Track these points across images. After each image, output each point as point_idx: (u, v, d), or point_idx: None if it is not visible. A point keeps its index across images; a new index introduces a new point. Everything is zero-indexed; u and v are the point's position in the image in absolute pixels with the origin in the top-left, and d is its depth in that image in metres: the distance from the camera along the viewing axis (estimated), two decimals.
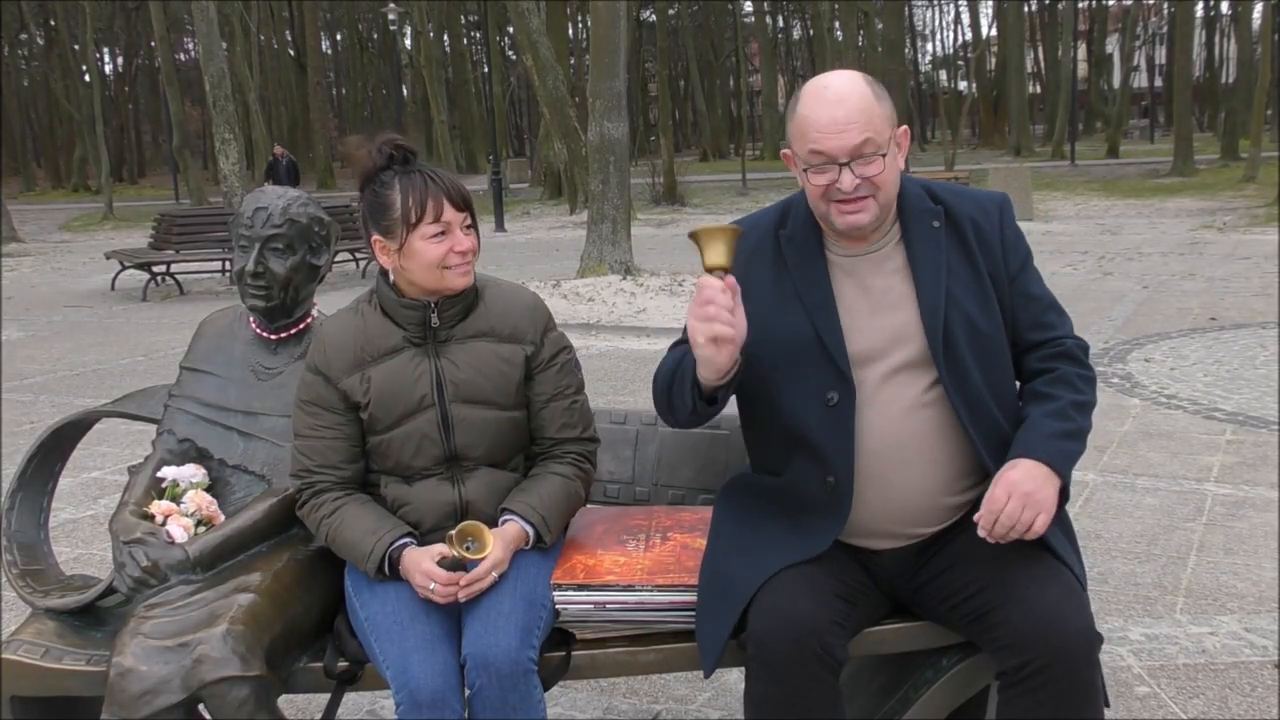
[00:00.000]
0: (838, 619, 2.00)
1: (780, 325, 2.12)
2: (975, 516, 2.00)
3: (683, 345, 2.19)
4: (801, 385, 2.09)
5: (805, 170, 2.06)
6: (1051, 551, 2.03)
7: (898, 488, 2.08)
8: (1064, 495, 2.03)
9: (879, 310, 2.11)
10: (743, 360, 2.00)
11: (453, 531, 2.13)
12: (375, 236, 2.23)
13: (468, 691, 2.06)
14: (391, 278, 2.26)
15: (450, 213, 2.19)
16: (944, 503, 2.12)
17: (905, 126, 2.12)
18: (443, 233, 2.18)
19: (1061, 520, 2.10)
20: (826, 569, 2.06)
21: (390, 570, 2.18)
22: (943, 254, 2.10)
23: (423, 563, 2.14)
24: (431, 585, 2.12)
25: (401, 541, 2.19)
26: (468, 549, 2.12)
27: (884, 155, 2.02)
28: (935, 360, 2.06)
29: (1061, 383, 2.11)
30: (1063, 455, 2.02)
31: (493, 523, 2.24)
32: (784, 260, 2.16)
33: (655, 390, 2.21)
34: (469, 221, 2.23)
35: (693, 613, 2.14)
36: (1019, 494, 1.96)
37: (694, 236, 1.95)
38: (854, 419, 2.06)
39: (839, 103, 2.01)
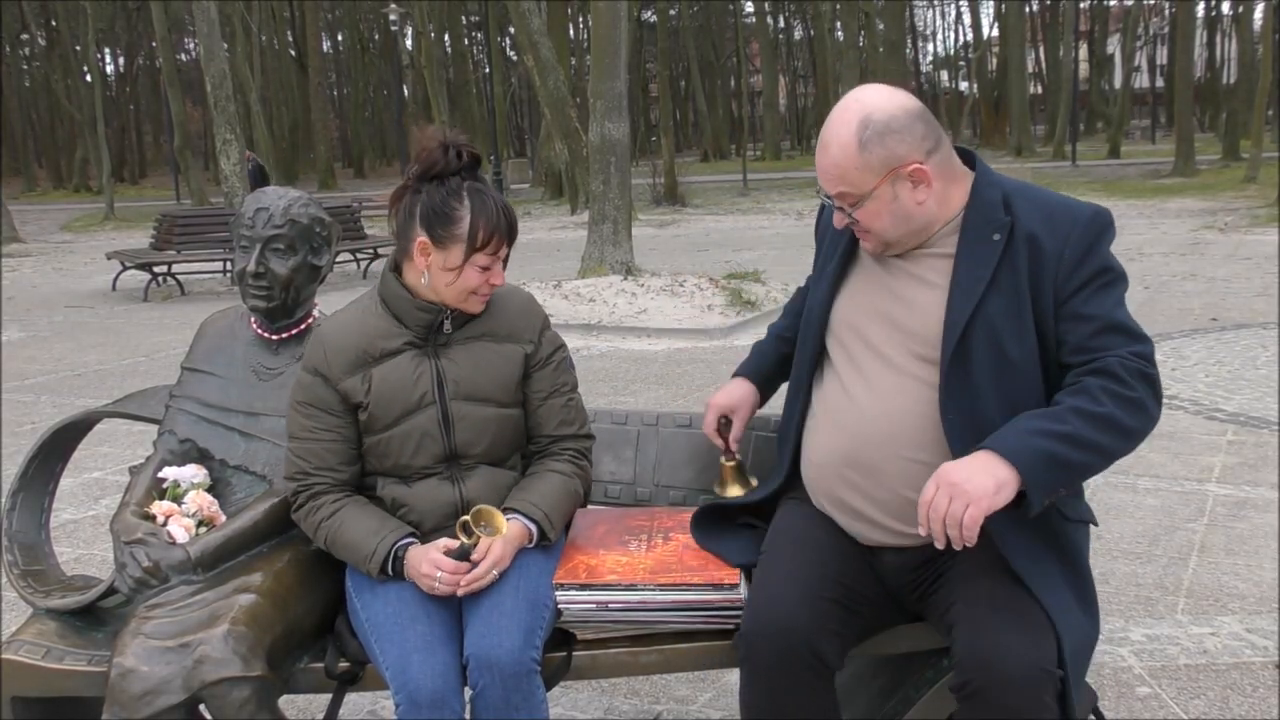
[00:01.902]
0: (834, 625, 1.99)
1: (815, 289, 2.28)
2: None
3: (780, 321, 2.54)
4: (802, 352, 2.26)
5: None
6: (1024, 585, 1.92)
7: (886, 479, 2.05)
8: (1022, 500, 1.86)
9: (902, 303, 2.09)
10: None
11: (467, 517, 2.15)
12: (422, 238, 2.19)
13: (470, 692, 2.06)
14: (424, 279, 2.22)
15: (505, 248, 2.23)
16: None
17: (919, 165, 2.00)
18: (489, 266, 2.20)
19: (1068, 563, 2.02)
20: (827, 572, 2.05)
21: (394, 570, 2.18)
22: (990, 270, 2.00)
23: (430, 552, 2.14)
24: (438, 574, 2.12)
25: (405, 541, 2.19)
26: (483, 530, 2.16)
27: (863, 200, 2.02)
28: (941, 369, 2.01)
29: (1079, 392, 1.92)
30: (1030, 451, 1.84)
31: None
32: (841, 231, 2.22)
33: None
34: (507, 254, 2.26)
35: (695, 612, 2.15)
36: (945, 483, 1.85)
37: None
38: (813, 391, 2.22)
39: (825, 147, 2.05)
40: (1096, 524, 2.17)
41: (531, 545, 2.23)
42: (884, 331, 2.09)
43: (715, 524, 2.29)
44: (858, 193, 2.02)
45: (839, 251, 2.22)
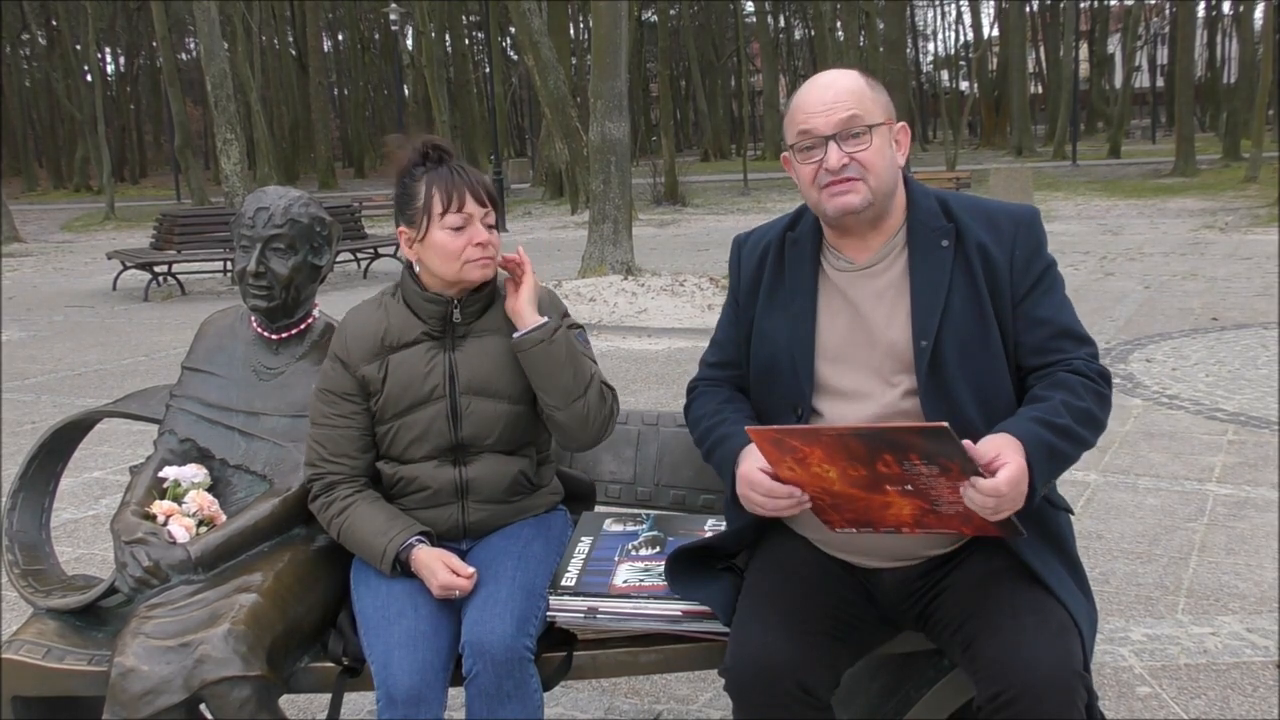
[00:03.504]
0: (823, 658, 1.96)
1: (766, 330, 2.15)
2: None
3: (719, 368, 2.25)
4: (775, 394, 2.12)
5: (796, 156, 2.05)
6: (1043, 584, 1.93)
7: None
8: (1031, 498, 1.84)
9: (864, 328, 2.06)
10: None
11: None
12: (400, 227, 2.28)
13: (465, 678, 2.07)
14: (416, 269, 2.29)
15: (472, 205, 2.21)
16: None
17: (904, 124, 2.10)
18: (462, 226, 2.21)
19: (1063, 553, 2.04)
20: (814, 605, 2.02)
21: (404, 570, 2.20)
22: (947, 276, 2.02)
23: (439, 573, 2.15)
24: (448, 585, 2.15)
25: (410, 543, 2.20)
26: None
27: (872, 130, 2.00)
28: (919, 385, 2.00)
29: (1060, 386, 1.97)
30: (1035, 441, 1.86)
31: (499, 501, 2.30)
32: (784, 263, 2.16)
33: (691, 428, 2.26)
34: (490, 218, 2.25)
35: (683, 623, 2.14)
36: (1009, 496, 1.79)
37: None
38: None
39: (828, 86, 2.05)
40: (1074, 512, 2.18)
41: (540, 322, 2.22)
42: (863, 352, 2.06)
43: (691, 569, 2.15)
44: (869, 119, 2.01)
45: (802, 292, 2.12)
